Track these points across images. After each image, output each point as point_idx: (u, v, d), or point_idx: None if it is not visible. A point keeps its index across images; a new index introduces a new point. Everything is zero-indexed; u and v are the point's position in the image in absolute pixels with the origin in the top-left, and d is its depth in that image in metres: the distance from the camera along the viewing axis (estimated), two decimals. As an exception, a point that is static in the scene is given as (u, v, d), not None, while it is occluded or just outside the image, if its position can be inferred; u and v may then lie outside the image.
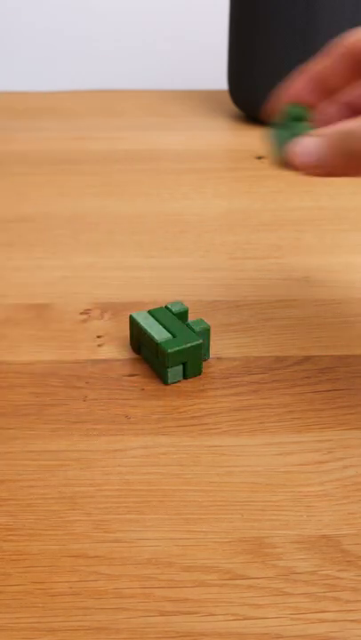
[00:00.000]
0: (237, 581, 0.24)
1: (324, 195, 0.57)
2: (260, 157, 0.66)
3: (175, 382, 0.34)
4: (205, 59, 0.95)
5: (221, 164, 0.65)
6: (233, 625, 0.23)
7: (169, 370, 0.33)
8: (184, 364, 0.34)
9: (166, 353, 0.32)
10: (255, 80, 0.73)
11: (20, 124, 0.77)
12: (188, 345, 0.33)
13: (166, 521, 0.26)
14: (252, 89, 0.74)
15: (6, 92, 0.90)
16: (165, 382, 0.34)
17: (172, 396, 0.33)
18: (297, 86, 0.30)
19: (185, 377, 0.34)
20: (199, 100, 0.86)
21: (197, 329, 0.34)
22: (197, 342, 0.33)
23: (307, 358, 0.36)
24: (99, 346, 0.37)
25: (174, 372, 0.33)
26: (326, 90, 0.30)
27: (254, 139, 0.71)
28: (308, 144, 0.28)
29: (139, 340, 0.35)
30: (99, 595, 0.24)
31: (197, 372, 0.34)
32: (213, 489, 0.28)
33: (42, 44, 0.94)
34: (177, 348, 0.33)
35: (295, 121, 0.30)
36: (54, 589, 0.24)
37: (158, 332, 0.33)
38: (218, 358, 0.36)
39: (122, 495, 0.27)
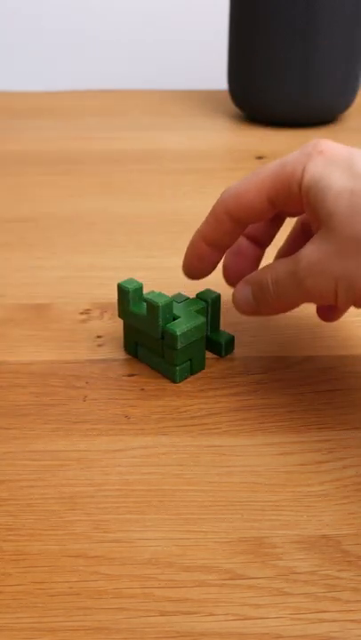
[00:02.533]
0: (237, 581, 0.24)
1: (324, 195, 0.57)
2: (260, 157, 0.66)
3: (184, 379, 0.34)
4: (205, 59, 0.95)
5: (221, 164, 0.65)
6: (233, 625, 0.23)
7: (177, 368, 0.33)
8: (190, 360, 0.34)
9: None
10: (255, 80, 0.73)
11: (20, 124, 0.77)
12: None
13: (166, 521, 0.26)
14: (252, 89, 0.74)
15: (6, 92, 0.90)
16: (175, 381, 0.34)
17: (172, 395, 0.33)
18: (198, 252, 0.34)
19: (192, 372, 0.34)
20: (199, 100, 0.86)
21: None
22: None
23: (307, 358, 0.36)
24: (99, 346, 0.37)
25: (182, 369, 0.34)
26: (222, 246, 0.33)
27: (254, 139, 0.71)
28: (240, 294, 0.33)
29: (135, 340, 0.35)
30: (99, 595, 0.24)
31: (202, 365, 0.34)
32: (213, 489, 0.28)
33: (42, 44, 0.94)
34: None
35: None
36: (54, 589, 0.24)
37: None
38: (218, 358, 0.36)
39: (122, 495, 0.27)
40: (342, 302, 0.28)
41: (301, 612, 0.23)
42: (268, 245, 0.36)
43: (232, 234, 0.32)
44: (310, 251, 0.28)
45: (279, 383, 0.34)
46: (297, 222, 0.36)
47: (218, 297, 0.35)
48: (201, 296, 0.35)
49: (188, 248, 0.34)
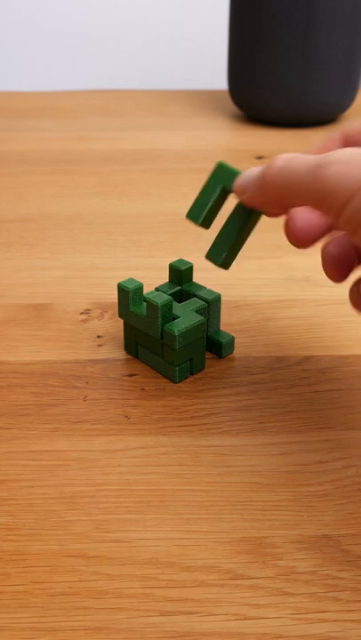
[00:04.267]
0: (238, 581, 0.24)
1: (324, 195, 0.57)
2: (260, 157, 0.66)
3: (184, 379, 0.34)
4: (205, 59, 0.95)
5: (221, 164, 0.65)
6: (233, 625, 0.23)
7: (177, 368, 0.33)
8: (190, 360, 0.34)
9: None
10: (255, 80, 0.73)
11: (20, 124, 0.77)
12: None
13: (166, 521, 0.26)
14: (252, 89, 0.74)
15: (6, 92, 0.90)
16: (175, 381, 0.34)
17: (172, 395, 0.33)
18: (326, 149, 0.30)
19: (191, 372, 0.34)
20: (199, 100, 0.86)
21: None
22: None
23: (307, 358, 0.36)
24: (99, 346, 0.37)
25: (182, 369, 0.34)
26: None
27: (254, 139, 0.71)
28: (250, 172, 0.28)
29: (136, 340, 0.35)
30: (99, 595, 0.24)
31: (202, 365, 0.34)
32: (213, 489, 0.28)
33: (42, 44, 0.94)
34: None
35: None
36: (54, 589, 0.24)
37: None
38: (218, 358, 0.36)
39: (122, 495, 0.27)
40: (346, 217, 0.24)
41: (302, 612, 0.23)
42: None
43: None
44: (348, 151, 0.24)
45: (279, 383, 0.34)
46: None
47: (218, 297, 0.35)
48: (201, 296, 0.35)
49: (322, 142, 0.30)
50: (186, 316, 0.33)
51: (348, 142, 0.30)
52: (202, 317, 0.33)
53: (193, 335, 0.33)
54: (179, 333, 0.32)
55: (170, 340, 0.32)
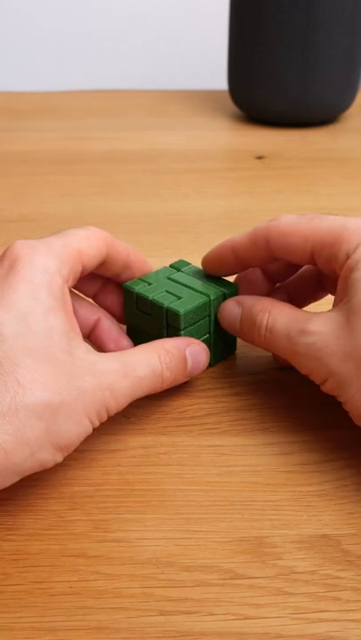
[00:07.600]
0: (237, 581, 0.24)
1: (324, 195, 0.57)
2: (260, 157, 0.66)
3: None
4: (205, 59, 0.95)
5: (221, 164, 0.65)
6: (233, 624, 0.23)
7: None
8: None
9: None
10: (255, 80, 0.73)
11: (20, 124, 0.77)
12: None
13: (166, 521, 0.26)
14: (252, 89, 0.74)
15: (6, 92, 0.90)
16: None
17: (172, 395, 0.33)
18: (223, 256, 0.33)
19: None
20: (199, 100, 0.86)
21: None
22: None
23: (307, 358, 0.36)
24: (99, 346, 0.37)
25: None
26: (246, 264, 0.33)
27: (254, 139, 0.71)
28: (229, 311, 0.33)
29: (139, 342, 0.35)
30: (99, 594, 0.24)
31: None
32: (213, 489, 0.28)
33: (42, 44, 0.94)
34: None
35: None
36: (54, 589, 0.24)
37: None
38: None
39: (122, 495, 0.27)
40: (326, 390, 0.28)
41: (301, 612, 0.23)
42: (280, 282, 0.35)
43: (261, 259, 0.32)
44: (322, 334, 0.27)
45: (279, 383, 0.34)
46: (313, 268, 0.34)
47: (221, 295, 0.34)
48: (204, 292, 0.34)
49: (215, 248, 0.34)
50: (189, 296, 0.33)
51: (237, 254, 0.33)
52: (206, 297, 0.33)
53: (197, 315, 0.32)
54: (184, 312, 0.32)
55: (174, 320, 0.32)
